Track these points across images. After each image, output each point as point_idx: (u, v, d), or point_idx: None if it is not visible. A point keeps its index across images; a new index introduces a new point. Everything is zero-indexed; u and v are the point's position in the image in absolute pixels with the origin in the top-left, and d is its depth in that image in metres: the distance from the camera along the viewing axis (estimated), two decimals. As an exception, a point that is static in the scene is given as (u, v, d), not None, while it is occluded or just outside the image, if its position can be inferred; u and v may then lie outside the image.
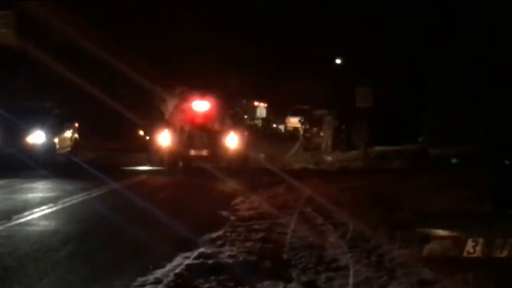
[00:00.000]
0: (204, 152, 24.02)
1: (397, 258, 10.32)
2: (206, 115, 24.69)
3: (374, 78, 33.08)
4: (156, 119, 25.60)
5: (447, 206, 14.49)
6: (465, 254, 9.21)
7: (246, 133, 26.67)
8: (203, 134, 24.08)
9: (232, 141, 24.15)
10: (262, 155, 30.22)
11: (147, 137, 28.67)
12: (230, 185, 20.16)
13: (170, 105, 25.14)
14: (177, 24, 45.17)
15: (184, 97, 24.79)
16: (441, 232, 9.54)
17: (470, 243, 9.18)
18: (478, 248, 9.11)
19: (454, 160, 26.24)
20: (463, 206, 14.41)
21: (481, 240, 9.06)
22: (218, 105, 25.24)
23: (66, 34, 34.91)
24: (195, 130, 24.12)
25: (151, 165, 25.49)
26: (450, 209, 13.92)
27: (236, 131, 24.61)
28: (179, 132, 24.04)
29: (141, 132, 30.01)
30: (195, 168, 24.25)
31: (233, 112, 27.17)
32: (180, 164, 24.37)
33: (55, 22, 34.52)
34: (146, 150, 27.46)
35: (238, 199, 16.97)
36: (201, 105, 24.93)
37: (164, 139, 24.14)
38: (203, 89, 25.89)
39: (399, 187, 19.04)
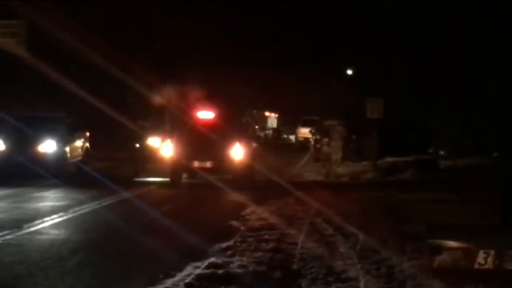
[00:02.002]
0: (208, 164, 22.90)
1: (407, 269, 10.28)
2: (210, 125, 23.59)
3: (384, 89, 33.05)
4: (157, 128, 25.30)
5: (457, 218, 14.47)
6: (476, 266, 9.20)
7: (254, 144, 25.80)
8: (207, 145, 22.84)
9: (238, 152, 22.98)
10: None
11: (137, 145, 28.16)
12: (238, 197, 19.70)
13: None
14: (185, 33, 45.20)
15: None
16: (452, 244, 9.52)
17: (481, 255, 9.17)
18: (489, 260, 9.10)
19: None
20: (473, 218, 14.39)
21: (492, 252, 9.04)
22: (223, 115, 24.48)
23: (73, 44, 34.99)
24: (199, 141, 22.95)
25: (142, 176, 25.25)
26: (460, 221, 13.89)
27: (243, 142, 23.40)
28: (182, 142, 23.28)
29: (137, 144, 28.90)
30: (199, 180, 23.30)
31: (243, 122, 26.53)
32: (184, 176, 23.77)
33: (62, 33, 34.62)
34: (135, 160, 27.14)
35: (248, 210, 16.94)
36: (205, 115, 24.29)
37: (167, 149, 23.64)
38: (209, 97, 25.42)
39: (409, 198, 19.02)
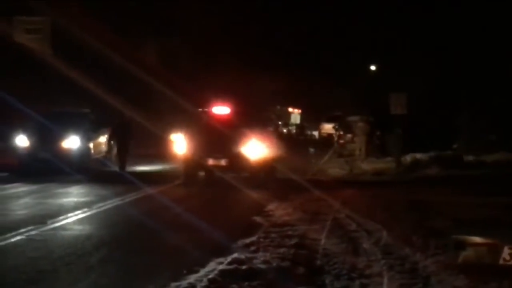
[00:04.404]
0: (223, 162, 21.77)
1: (431, 265, 10.22)
2: (225, 121, 22.55)
3: (409, 84, 32.90)
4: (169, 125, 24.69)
5: (481, 214, 14.38)
6: (501, 262, 9.13)
7: (275, 141, 24.41)
8: (221, 141, 21.80)
9: (255, 149, 21.87)
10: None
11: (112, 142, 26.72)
12: (258, 194, 19.22)
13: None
14: (210, 31, 45.30)
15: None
16: (476, 239, 9.46)
17: (506, 251, 9.10)
18: (514, 256, 9.03)
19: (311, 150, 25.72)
20: (498, 214, 14.30)
21: (517, 248, 8.98)
22: (240, 111, 23.37)
23: (95, 42, 35.14)
24: (213, 137, 21.94)
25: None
26: (485, 216, 13.80)
27: (262, 139, 22.21)
28: (196, 139, 22.23)
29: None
30: (217, 178, 22.34)
31: (262, 118, 25.62)
32: (201, 174, 23.00)
33: (85, 30, 34.79)
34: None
35: (272, 205, 16.91)
36: (220, 110, 23.15)
37: (180, 146, 22.53)
38: (225, 95, 24.58)
39: (433, 194, 18.92)
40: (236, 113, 23.09)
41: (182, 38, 44.40)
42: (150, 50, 43.42)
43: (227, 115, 23.02)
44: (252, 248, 11.52)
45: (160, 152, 28.73)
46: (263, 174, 22.20)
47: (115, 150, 25.91)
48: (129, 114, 26.52)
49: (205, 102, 23.59)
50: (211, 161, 21.88)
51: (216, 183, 21.99)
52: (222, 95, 24.47)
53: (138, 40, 42.32)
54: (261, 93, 45.42)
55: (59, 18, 33.34)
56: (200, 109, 23.57)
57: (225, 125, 22.25)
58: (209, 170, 22.46)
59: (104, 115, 27.31)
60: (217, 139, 21.90)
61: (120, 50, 35.86)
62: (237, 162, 21.67)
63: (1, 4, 33.38)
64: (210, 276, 9.47)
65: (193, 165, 22.31)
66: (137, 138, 27.96)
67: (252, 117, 23.63)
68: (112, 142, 25.92)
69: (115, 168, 25.32)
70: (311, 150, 40.31)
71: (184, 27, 44.40)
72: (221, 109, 23.17)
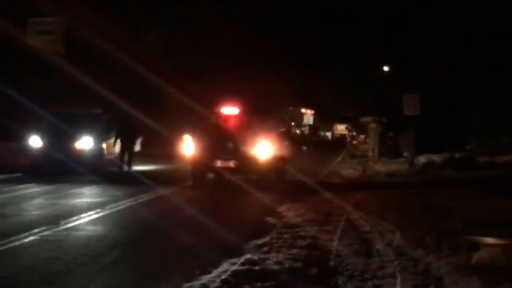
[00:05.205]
0: (232, 163, 21.45)
1: (445, 266, 10.19)
2: (234, 122, 22.43)
3: (422, 84, 32.84)
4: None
5: (495, 215, 14.34)
6: (515, 263, 9.10)
7: (286, 142, 24.21)
8: (230, 143, 21.57)
9: (264, 151, 21.54)
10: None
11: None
12: (270, 196, 18.89)
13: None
14: (224, 32, 45.37)
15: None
16: (490, 240, 9.44)
17: (520, 251, 9.07)
18: (528, 257, 9.01)
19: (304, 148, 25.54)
20: (511, 215, 14.25)
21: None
22: (250, 111, 23.11)
23: (107, 44, 35.24)
24: (222, 139, 21.68)
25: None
26: (498, 217, 13.76)
27: (271, 140, 21.92)
28: (204, 140, 21.88)
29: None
30: (226, 180, 22.06)
31: (272, 119, 25.09)
32: (210, 176, 22.54)
33: (97, 31, 34.89)
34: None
35: (283, 207, 16.89)
36: (228, 111, 22.85)
37: (188, 147, 22.12)
38: (235, 95, 24.30)
39: (447, 195, 18.87)
40: (246, 113, 22.91)
41: (195, 38, 44.45)
42: (159, 47, 43.48)
43: (236, 115, 22.82)
44: (265, 249, 11.53)
45: (169, 152, 28.69)
46: (273, 176, 21.94)
47: (118, 149, 25.89)
48: (134, 114, 26.52)
49: (215, 102, 23.41)
50: (219, 163, 21.62)
51: (226, 185, 21.83)
52: (233, 95, 24.28)
53: (149, 40, 42.43)
54: (274, 94, 45.42)
55: (71, 19, 33.48)
56: (208, 110, 23.26)
57: (234, 126, 22.15)
58: (217, 172, 22.10)
59: (115, 115, 27.33)
60: (226, 140, 21.70)
61: (131, 51, 35.93)
62: (246, 164, 21.38)
63: (15, 6, 33.55)
64: (222, 277, 9.48)
65: (201, 167, 21.99)
66: (147, 139, 28.05)
67: (262, 118, 23.25)
68: (116, 141, 25.87)
69: (126, 167, 25.35)
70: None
71: (199, 28, 44.47)
72: (230, 110, 22.91)
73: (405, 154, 31.80)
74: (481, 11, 34.08)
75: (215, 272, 9.84)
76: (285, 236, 12.68)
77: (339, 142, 51.36)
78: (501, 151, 30.49)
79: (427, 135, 31.51)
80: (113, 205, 16.78)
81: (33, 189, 19.92)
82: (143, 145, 28.76)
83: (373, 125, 35.56)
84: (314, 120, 65.72)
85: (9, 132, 26.53)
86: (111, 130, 25.83)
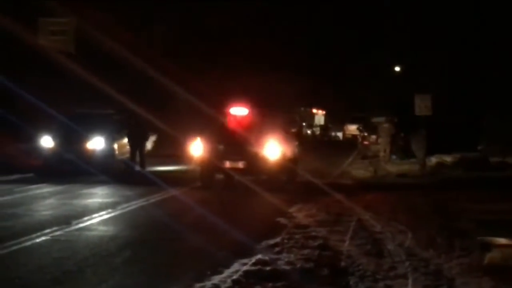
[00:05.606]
0: (241, 164, 21.13)
1: (456, 267, 10.15)
2: (243, 123, 22.12)
3: (433, 84, 32.77)
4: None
5: (507, 216, 14.28)
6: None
7: (296, 143, 24.02)
8: (239, 144, 21.20)
9: (274, 151, 21.17)
10: None
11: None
12: (277, 197, 18.64)
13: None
14: (234, 33, 45.42)
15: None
16: (502, 241, 9.40)
17: (532, 252, 9.03)
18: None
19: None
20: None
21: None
22: (259, 112, 22.91)
23: (118, 45, 35.31)
24: (230, 139, 21.41)
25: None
26: (511, 218, 13.70)
27: (281, 141, 21.61)
28: (213, 141, 21.62)
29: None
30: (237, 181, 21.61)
31: (282, 120, 24.85)
32: (220, 176, 22.14)
33: (107, 33, 34.96)
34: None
35: (294, 208, 16.86)
36: (237, 111, 22.63)
37: (197, 148, 21.79)
38: (245, 96, 24.14)
39: (459, 196, 18.81)
40: (255, 114, 22.71)
41: (205, 39, 44.51)
42: (169, 47, 43.54)
43: (246, 116, 22.60)
44: (276, 249, 11.50)
45: (179, 153, 28.67)
46: (284, 177, 21.83)
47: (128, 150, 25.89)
48: (144, 114, 26.53)
49: (224, 103, 23.30)
50: (228, 164, 21.32)
51: (235, 185, 21.62)
52: (242, 96, 24.20)
53: (159, 41, 42.51)
54: (285, 94, 45.42)
55: (82, 20, 33.57)
56: (218, 110, 23.17)
57: (243, 127, 21.91)
58: (226, 173, 21.77)
59: (126, 115, 27.36)
60: (235, 141, 21.42)
61: (141, 51, 36.01)
62: (255, 165, 21.06)
63: (27, 6, 33.66)
64: (234, 277, 9.47)
65: (209, 167, 21.68)
66: (157, 139, 28.07)
67: (272, 118, 22.97)
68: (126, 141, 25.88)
69: (138, 168, 25.38)
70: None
71: (209, 30, 44.51)
72: (239, 110, 22.71)
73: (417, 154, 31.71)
74: (495, 10, 33.97)
75: (226, 272, 9.82)
76: (296, 236, 12.66)
77: (350, 142, 51.28)
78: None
79: (439, 135, 31.43)
80: (125, 205, 16.80)
81: (44, 189, 19.96)
82: (154, 144, 28.78)
83: (385, 126, 35.47)
84: (325, 120, 65.76)
85: (20, 132, 26.65)
86: (122, 130, 25.86)
